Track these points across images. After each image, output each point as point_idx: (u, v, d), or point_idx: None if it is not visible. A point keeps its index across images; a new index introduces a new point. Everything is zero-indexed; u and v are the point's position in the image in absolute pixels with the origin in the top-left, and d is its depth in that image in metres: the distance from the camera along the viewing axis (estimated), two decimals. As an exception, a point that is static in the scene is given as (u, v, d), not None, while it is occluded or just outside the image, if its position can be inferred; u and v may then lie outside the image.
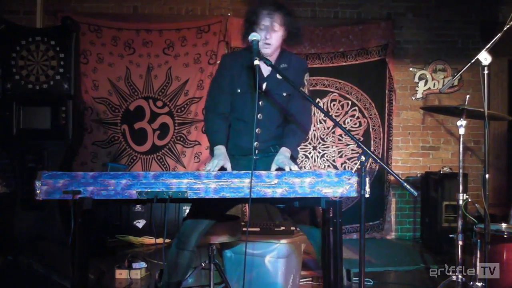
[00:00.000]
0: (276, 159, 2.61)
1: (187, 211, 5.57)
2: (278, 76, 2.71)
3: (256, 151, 2.77)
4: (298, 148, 2.91)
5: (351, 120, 6.09)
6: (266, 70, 2.74)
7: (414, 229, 6.19)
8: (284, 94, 2.76)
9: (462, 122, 3.44)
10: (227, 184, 2.25)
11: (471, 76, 6.11)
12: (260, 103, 2.72)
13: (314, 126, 6.06)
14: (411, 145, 6.25)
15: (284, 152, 2.67)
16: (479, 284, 3.26)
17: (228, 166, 2.61)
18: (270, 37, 2.63)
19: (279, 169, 2.58)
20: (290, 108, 2.80)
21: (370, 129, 6.10)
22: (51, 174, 2.24)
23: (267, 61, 2.45)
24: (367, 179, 2.19)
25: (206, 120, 2.86)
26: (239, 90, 2.75)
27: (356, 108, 6.09)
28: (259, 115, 2.73)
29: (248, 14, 2.68)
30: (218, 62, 5.79)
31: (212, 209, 2.74)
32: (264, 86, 2.73)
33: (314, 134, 6.06)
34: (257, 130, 2.73)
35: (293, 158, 2.71)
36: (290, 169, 2.50)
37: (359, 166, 2.17)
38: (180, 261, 2.80)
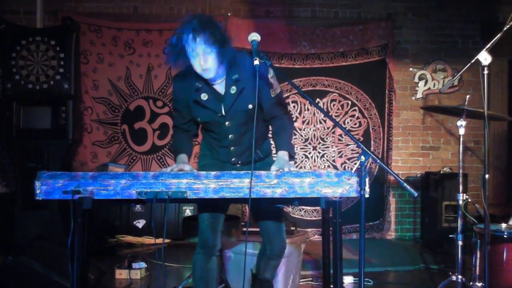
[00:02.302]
0: (276, 163, 2.55)
1: (187, 211, 5.58)
2: (232, 91, 2.54)
3: (238, 164, 2.74)
4: (295, 152, 2.88)
5: (351, 120, 6.09)
6: (220, 88, 2.57)
7: (414, 229, 6.19)
8: (250, 107, 2.56)
9: (462, 122, 3.44)
10: (227, 184, 2.25)
11: (471, 76, 6.11)
12: (226, 124, 2.61)
13: (314, 126, 6.07)
14: (411, 145, 6.25)
15: (283, 156, 2.61)
16: (479, 284, 3.26)
17: (188, 168, 2.52)
18: (205, 62, 2.41)
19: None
20: (268, 109, 2.66)
21: (370, 129, 6.10)
22: (51, 174, 2.24)
23: (267, 61, 2.41)
24: (367, 179, 2.19)
25: (173, 133, 2.81)
26: (199, 119, 2.66)
27: (356, 108, 6.09)
28: (230, 136, 2.65)
29: (173, 43, 2.45)
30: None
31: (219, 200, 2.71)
32: (223, 108, 2.57)
33: (314, 134, 6.06)
34: (231, 148, 2.70)
35: (291, 157, 2.67)
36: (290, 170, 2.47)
37: (359, 166, 2.17)
38: (212, 266, 2.72)
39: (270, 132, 2.84)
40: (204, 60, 2.41)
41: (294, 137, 6.02)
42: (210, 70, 2.45)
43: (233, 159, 2.74)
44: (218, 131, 2.68)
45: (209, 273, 2.73)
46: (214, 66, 2.44)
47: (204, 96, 2.57)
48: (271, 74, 2.63)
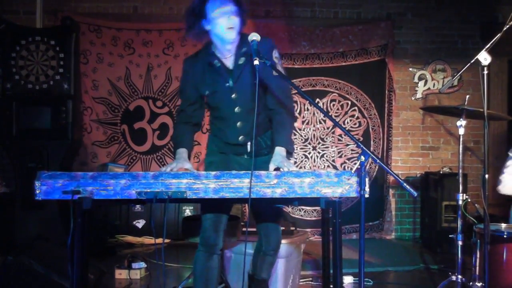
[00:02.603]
0: (273, 160, 2.57)
1: (187, 211, 5.58)
2: (240, 62, 2.62)
3: (247, 148, 2.73)
4: (295, 152, 2.89)
5: (350, 120, 6.09)
6: (229, 62, 2.65)
7: (413, 229, 6.19)
8: (255, 82, 2.56)
9: (461, 122, 3.44)
10: (227, 184, 2.25)
11: (471, 76, 6.11)
12: (232, 96, 2.65)
13: (314, 126, 6.07)
14: (411, 145, 6.25)
15: (280, 152, 2.61)
16: (479, 284, 3.26)
17: (189, 167, 2.57)
18: (233, 22, 2.53)
19: (277, 169, 2.55)
20: (270, 96, 2.68)
21: (370, 129, 6.11)
22: (50, 174, 2.24)
23: (266, 61, 2.41)
24: (367, 179, 2.19)
25: (174, 127, 2.86)
26: (207, 92, 2.69)
27: (356, 108, 6.09)
28: (236, 108, 2.67)
29: (195, 4, 2.62)
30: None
31: (221, 204, 2.70)
32: (231, 78, 2.64)
33: (314, 134, 6.07)
34: (238, 124, 2.69)
35: (289, 153, 2.67)
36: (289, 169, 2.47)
37: (359, 166, 2.17)
38: (212, 265, 2.72)
39: None
40: (232, 19, 2.51)
41: (294, 137, 6.01)
42: (234, 30, 2.52)
43: (240, 137, 2.70)
44: (225, 105, 2.68)
45: (209, 271, 2.72)
46: (236, 27, 2.54)
47: (217, 63, 2.64)
48: (276, 54, 2.67)
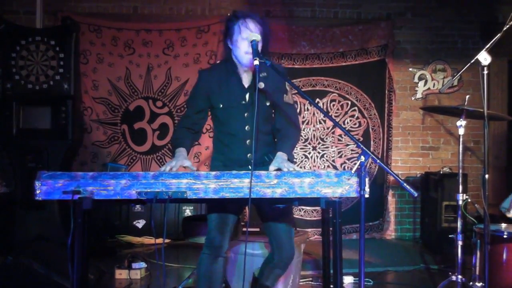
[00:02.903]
0: (274, 162, 2.56)
1: (187, 211, 5.58)
2: (260, 86, 2.60)
3: (251, 162, 2.67)
4: (295, 152, 2.88)
5: (350, 120, 6.09)
6: (246, 80, 2.69)
7: (414, 229, 6.19)
8: (268, 104, 2.69)
9: (461, 122, 3.44)
10: (227, 184, 2.24)
11: (471, 76, 6.11)
12: (245, 114, 2.67)
13: (314, 126, 6.07)
14: (411, 145, 6.25)
15: (281, 156, 2.62)
16: (479, 284, 3.26)
17: (188, 164, 2.55)
18: (249, 49, 2.53)
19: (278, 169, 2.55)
20: (279, 117, 2.74)
21: (370, 129, 6.11)
22: (50, 174, 2.24)
23: (266, 61, 2.42)
24: (367, 179, 2.19)
25: (174, 131, 2.89)
26: (221, 105, 2.69)
27: (356, 108, 6.09)
28: (246, 127, 2.68)
29: (232, 20, 2.64)
30: (218, 62, 5.80)
31: (230, 205, 2.68)
32: (247, 97, 2.67)
33: (314, 134, 6.07)
34: (247, 141, 2.69)
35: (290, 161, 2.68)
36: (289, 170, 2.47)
37: (359, 166, 2.17)
38: (217, 268, 2.68)
39: None
40: (249, 48, 2.52)
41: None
42: (250, 57, 2.52)
43: (248, 155, 2.68)
44: (236, 121, 2.68)
45: (213, 274, 2.68)
46: (253, 53, 2.52)
47: (229, 84, 2.67)
48: (290, 87, 2.74)
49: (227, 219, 2.69)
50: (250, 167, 2.68)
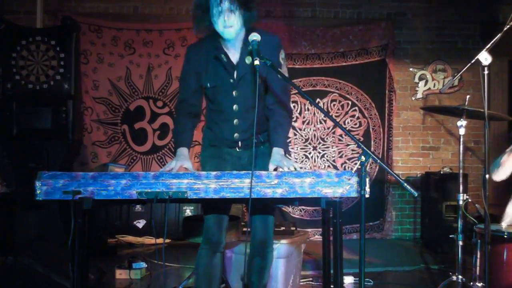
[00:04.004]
0: (272, 160, 2.56)
1: (187, 211, 5.58)
2: (247, 61, 2.59)
3: (239, 143, 2.71)
4: (295, 152, 2.86)
5: (351, 120, 6.09)
6: (234, 58, 2.62)
7: (414, 229, 6.19)
8: (259, 81, 2.49)
9: (462, 122, 3.43)
10: (227, 184, 2.24)
11: (471, 76, 6.11)
12: (233, 93, 2.63)
13: (314, 126, 6.07)
14: (411, 145, 6.25)
15: (279, 152, 2.61)
16: (479, 284, 3.26)
17: (189, 166, 2.56)
18: (228, 18, 2.47)
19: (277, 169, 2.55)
20: (270, 92, 2.66)
21: (370, 129, 6.10)
22: (51, 174, 2.24)
23: (267, 61, 2.41)
24: (367, 179, 2.19)
25: (174, 119, 2.81)
26: (208, 85, 2.65)
27: (356, 108, 6.09)
28: (234, 106, 2.65)
29: (198, 3, 2.54)
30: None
31: (223, 201, 2.64)
32: (235, 74, 2.62)
33: (315, 134, 6.06)
34: (234, 121, 2.67)
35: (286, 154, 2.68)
36: (289, 169, 2.47)
37: (359, 166, 2.16)
38: (215, 262, 2.70)
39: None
40: (227, 16, 2.47)
41: (294, 137, 6.02)
42: (232, 28, 2.50)
43: (235, 135, 2.68)
44: (224, 100, 2.66)
45: (212, 269, 2.70)
46: (236, 25, 2.50)
47: (215, 63, 2.61)
48: (282, 55, 2.67)
49: (223, 218, 2.72)
50: (237, 149, 2.71)
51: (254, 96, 2.48)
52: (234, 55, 2.64)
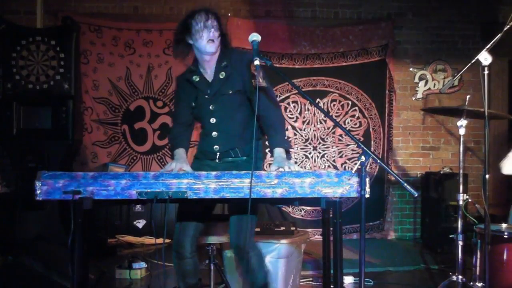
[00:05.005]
0: (274, 162, 2.60)
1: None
2: (221, 76, 2.76)
3: (217, 154, 2.80)
4: (295, 152, 2.88)
5: (351, 120, 6.09)
6: (209, 76, 2.80)
7: (414, 229, 6.19)
8: (231, 92, 2.74)
9: (462, 122, 3.44)
10: (227, 184, 2.25)
11: (471, 76, 6.11)
12: (210, 107, 2.77)
13: (315, 126, 6.07)
14: (411, 145, 6.25)
15: (280, 154, 2.65)
16: (479, 284, 3.26)
17: (188, 169, 2.66)
18: (213, 35, 2.68)
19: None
20: (257, 102, 2.60)
21: (370, 129, 6.10)
22: (51, 174, 2.24)
23: (267, 61, 2.42)
24: (367, 179, 2.19)
25: (170, 129, 3.02)
26: (193, 104, 2.83)
27: (356, 108, 6.09)
28: (211, 119, 2.78)
29: (187, 18, 2.74)
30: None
31: (196, 209, 2.77)
32: (209, 90, 2.77)
33: (315, 134, 6.06)
34: (213, 134, 2.79)
35: (288, 153, 2.71)
36: (290, 168, 2.48)
37: (359, 166, 2.17)
38: (186, 268, 2.81)
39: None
40: (213, 32, 2.68)
41: (294, 137, 6.02)
42: (215, 43, 2.69)
43: (215, 147, 2.78)
44: (203, 115, 2.81)
45: (183, 271, 2.82)
46: (217, 41, 2.71)
47: (195, 78, 2.80)
48: (261, 74, 2.63)
49: (188, 225, 2.79)
50: (216, 160, 2.81)
51: (231, 108, 2.74)
52: (208, 74, 2.80)
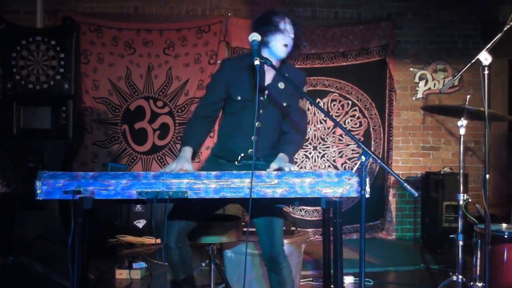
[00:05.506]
0: (275, 161, 2.60)
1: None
2: (280, 86, 2.72)
3: (240, 156, 2.72)
4: (295, 156, 2.89)
5: (351, 120, 6.09)
6: (268, 78, 2.72)
7: (414, 229, 6.19)
8: (284, 104, 2.74)
9: (462, 122, 3.43)
10: (227, 184, 2.24)
11: (471, 76, 6.11)
12: (260, 111, 2.67)
13: (315, 126, 6.06)
14: (412, 145, 6.25)
15: (283, 156, 2.66)
16: (479, 284, 3.26)
17: (189, 168, 2.57)
18: (290, 42, 2.66)
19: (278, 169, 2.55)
20: (289, 118, 2.78)
21: (371, 129, 6.10)
22: (51, 174, 2.24)
23: (267, 62, 2.43)
24: (367, 179, 2.19)
25: (190, 119, 2.85)
26: (239, 98, 2.69)
27: (357, 108, 6.09)
28: (257, 123, 2.67)
29: (272, 16, 2.68)
30: (218, 62, 5.80)
31: (188, 210, 2.70)
32: (265, 94, 2.71)
33: (315, 134, 6.06)
34: (252, 137, 2.67)
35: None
36: (290, 169, 2.48)
37: (360, 166, 2.16)
38: (173, 259, 2.73)
39: None
40: (291, 39, 2.66)
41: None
42: (287, 48, 2.66)
43: (250, 151, 2.68)
44: (248, 116, 2.67)
45: (172, 263, 2.74)
46: (289, 47, 2.68)
47: (251, 79, 2.68)
48: (305, 89, 2.82)
49: (173, 223, 2.70)
50: (236, 163, 2.73)
51: (277, 120, 2.73)
52: (268, 77, 2.73)
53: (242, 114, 2.71)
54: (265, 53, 2.66)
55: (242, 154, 2.71)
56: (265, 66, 2.61)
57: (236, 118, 2.74)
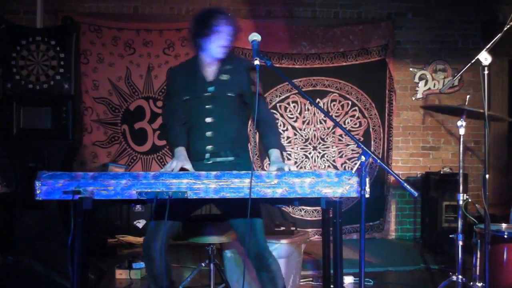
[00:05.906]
0: (272, 161, 2.62)
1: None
2: (223, 78, 2.74)
3: (208, 154, 2.75)
4: (295, 152, 2.89)
5: (351, 120, 6.09)
6: (211, 74, 2.76)
7: (414, 229, 6.19)
8: (233, 95, 2.74)
9: (462, 122, 3.43)
10: (227, 184, 2.24)
11: (471, 76, 6.11)
12: (207, 106, 2.73)
13: (314, 126, 6.07)
14: (411, 145, 6.25)
15: (278, 154, 2.67)
16: (479, 284, 3.26)
17: (189, 167, 2.63)
18: (227, 42, 2.69)
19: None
20: (254, 107, 2.68)
21: (370, 129, 6.10)
22: (51, 174, 2.24)
23: (267, 61, 2.43)
24: (367, 179, 2.19)
25: (166, 125, 2.92)
26: (187, 97, 2.77)
27: (356, 108, 6.09)
28: (207, 119, 2.73)
29: (204, 17, 2.71)
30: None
31: (174, 209, 2.61)
32: (210, 90, 2.74)
33: (315, 134, 6.06)
34: (207, 133, 2.73)
35: (282, 154, 2.73)
36: (290, 169, 2.48)
37: (359, 166, 2.17)
38: (156, 273, 2.69)
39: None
40: (227, 39, 2.68)
41: (294, 137, 6.02)
42: (224, 50, 2.70)
43: (208, 147, 2.73)
44: (196, 113, 2.76)
45: (153, 275, 2.72)
46: (226, 48, 2.71)
47: (193, 78, 2.78)
48: (253, 75, 2.75)
49: (159, 224, 2.65)
50: (205, 160, 2.75)
51: (229, 112, 2.74)
52: (210, 74, 2.77)
53: (193, 112, 2.78)
54: (204, 54, 2.74)
55: (208, 153, 2.75)
56: (206, 62, 2.74)
57: (190, 118, 2.81)
